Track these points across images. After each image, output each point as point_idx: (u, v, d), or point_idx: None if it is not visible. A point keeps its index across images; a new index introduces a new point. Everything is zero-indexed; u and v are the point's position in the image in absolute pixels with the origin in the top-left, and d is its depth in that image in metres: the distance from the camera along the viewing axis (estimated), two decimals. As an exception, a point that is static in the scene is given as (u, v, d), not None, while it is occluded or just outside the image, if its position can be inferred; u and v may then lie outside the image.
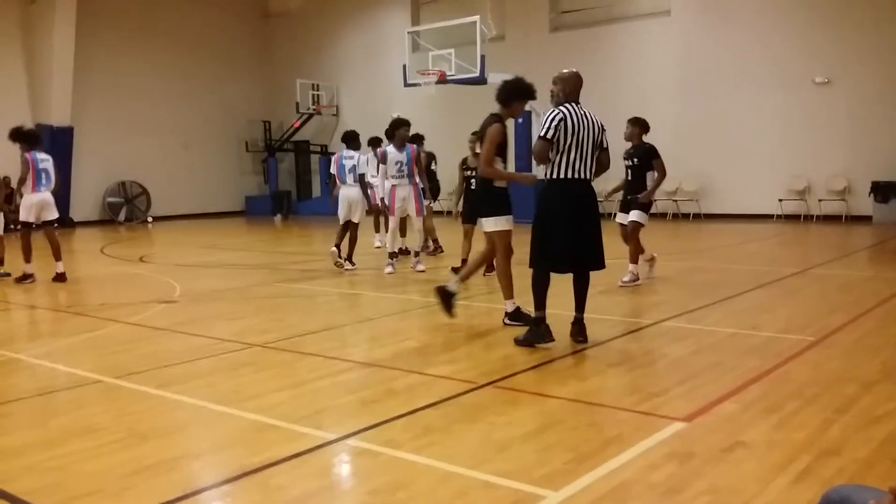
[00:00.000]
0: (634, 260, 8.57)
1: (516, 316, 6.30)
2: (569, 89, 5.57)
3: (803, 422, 3.84)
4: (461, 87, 18.05)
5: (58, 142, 21.27)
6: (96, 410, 4.44)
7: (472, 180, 9.15)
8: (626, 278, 8.44)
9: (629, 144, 8.78)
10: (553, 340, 5.55)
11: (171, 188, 24.23)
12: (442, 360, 5.41)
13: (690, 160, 17.69)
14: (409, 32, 19.70)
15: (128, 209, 23.43)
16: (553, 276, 5.65)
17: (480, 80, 16.82)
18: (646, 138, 8.72)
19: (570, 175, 5.47)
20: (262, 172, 26.80)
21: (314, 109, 24.65)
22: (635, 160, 8.61)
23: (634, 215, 8.58)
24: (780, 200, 17.30)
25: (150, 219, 23.46)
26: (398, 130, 9.70)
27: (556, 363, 5.22)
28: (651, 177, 8.52)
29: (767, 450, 3.49)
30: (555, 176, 5.52)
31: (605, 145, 5.64)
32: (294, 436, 3.84)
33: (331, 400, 4.53)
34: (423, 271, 9.82)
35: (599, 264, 5.66)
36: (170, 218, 23.77)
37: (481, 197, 6.48)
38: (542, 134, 5.42)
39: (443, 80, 17.62)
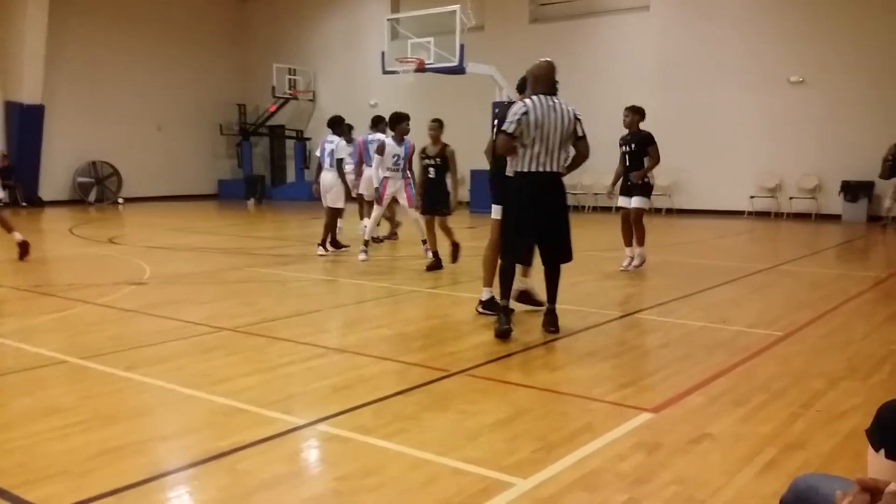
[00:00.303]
0: (641, 243, 8.96)
1: (490, 305, 6.30)
2: (536, 81, 5.56)
3: (769, 415, 3.89)
4: (440, 76, 18.00)
5: (27, 120, 20.94)
6: (62, 391, 4.39)
7: (431, 169, 9.05)
8: (635, 262, 8.93)
9: (624, 132, 9.14)
10: (509, 329, 5.52)
11: (142, 170, 23.91)
12: (414, 348, 5.41)
13: (664, 154, 17.62)
14: (388, 19, 19.56)
15: (98, 190, 23.07)
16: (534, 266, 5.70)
17: (459, 70, 16.77)
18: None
19: (534, 168, 5.45)
20: (236, 156, 26.54)
21: (290, 94, 24.43)
22: (632, 146, 8.99)
23: (636, 201, 8.97)
24: (752, 197, 17.50)
25: (120, 200, 23.13)
26: (399, 125, 9.66)
27: (528, 352, 5.24)
28: (647, 163, 8.95)
29: (733, 442, 3.53)
30: (519, 169, 5.51)
31: (580, 134, 5.56)
32: (263, 420, 3.81)
33: (301, 385, 4.50)
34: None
35: (566, 257, 5.68)
36: (141, 200, 23.46)
37: (494, 183, 6.36)
38: (503, 128, 5.42)
39: (421, 68, 17.54)
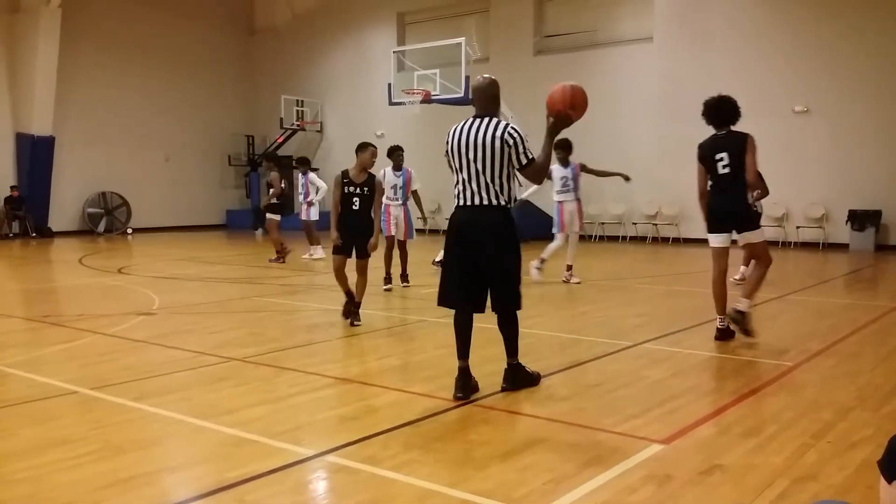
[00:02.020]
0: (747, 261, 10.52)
1: (725, 333, 6.52)
2: (476, 102, 4.89)
3: (780, 446, 3.86)
4: (445, 107, 18.17)
5: (38, 151, 21.17)
6: (71, 422, 4.39)
7: (357, 199, 7.31)
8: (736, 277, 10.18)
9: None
10: (461, 397, 4.70)
11: (151, 200, 24.11)
12: (422, 378, 5.40)
13: (670, 184, 17.88)
14: (394, 52, 19.83)
15: (108, 220, 23.25)
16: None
17: (465, 101, 16.89)
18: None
19: (459, 202, 4.78)
20: (244, 186, 26.71)
21: (298, 125, 24.68)
22: None
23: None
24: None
25: (129, 230, 23.29)
26: (560, 150, 9.91)
27: (536, 383, 5.22)
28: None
29: (745, 473, 3.51)
30: (455, 203, 4.88)
31: (517, 164, 4.67)
32: (272, 451, 3.81)
33: (310, 416, 4.50)
34: (578, 283, 10.16)
35: (504, 303, 4.83)
36: (150, 230, 23.61)
37: (746, 211, 6.67)
38: None
39: (427, 99, 17.72)
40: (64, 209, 22.34)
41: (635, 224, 19.18)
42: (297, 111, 24.72)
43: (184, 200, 25.18)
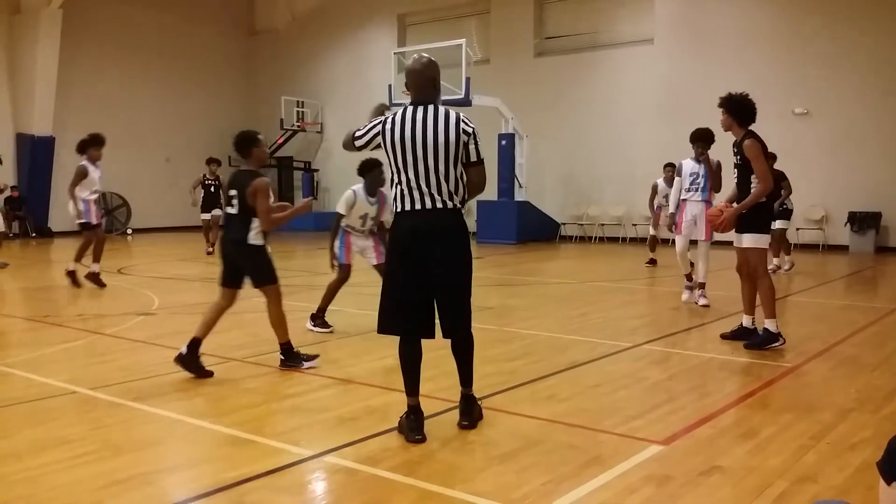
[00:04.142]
0: (788, 252, 12.24)
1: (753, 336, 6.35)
2: (407, 86, 4.21)
3: (779, 448, 3.86)
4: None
5: (38, 151, 21.16)
6: (70, 422, 4.39)
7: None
8: (785, 267, 11.96)
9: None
10: (418, 440, 3.98)
11: (151, 200, 24.08)
12: (421, 378, 5.38)
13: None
14: (395, 53, 19.84)
15: (107, 221, 23.18)
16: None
17: (465, 102, 16.93)
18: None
19: (406, 206, 4.02)
20: (244, 187, 26.72)
21: (298, 126, 24.68)
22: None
23: (779, 223, 11.24)
24: (759, 228, 17.49)
25: (129, 231, 23.28)
26: (698, 142, 8.94)
27: (536, 384, 5.22)
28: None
29: (744, 475, 3.51)
30: (395, 209, 4.13)
31: (474, 158, 4.06)
32: (270, 451, 3.81)
33: (308, 416, 4.50)
34: (706, 305, 8.61)
35: (460, 325, 4.21)
36: (149, 230, 23.60)
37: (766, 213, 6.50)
38: (356, 133, 4.20)
39: (428, 100, 17.71)
40: (64, 209, 22.10)
41: (635, 225, 19.15)
42: (298, 112, 24.74)
43: (184, 201, 25.02)
